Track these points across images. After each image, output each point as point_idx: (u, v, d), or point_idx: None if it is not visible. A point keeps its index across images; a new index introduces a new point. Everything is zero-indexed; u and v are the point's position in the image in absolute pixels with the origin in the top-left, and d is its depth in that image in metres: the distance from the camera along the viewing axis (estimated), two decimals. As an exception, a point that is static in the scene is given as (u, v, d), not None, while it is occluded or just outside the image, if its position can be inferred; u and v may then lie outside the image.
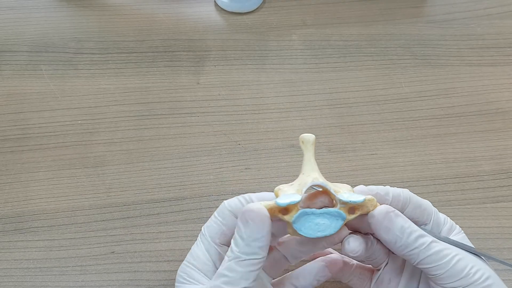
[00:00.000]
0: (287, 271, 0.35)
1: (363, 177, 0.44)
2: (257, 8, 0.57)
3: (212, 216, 0.32)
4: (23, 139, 0.46)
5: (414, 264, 0.30)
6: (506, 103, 0.49)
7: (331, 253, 0.35)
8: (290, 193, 0.31)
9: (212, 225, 0.31)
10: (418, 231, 0.30)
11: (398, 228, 0.30)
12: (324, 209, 0.30)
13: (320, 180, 0.31)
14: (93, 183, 0.43)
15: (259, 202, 0.30)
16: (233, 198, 0.31)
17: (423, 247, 0.29)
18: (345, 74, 0.51)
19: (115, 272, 0.39)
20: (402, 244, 0.29)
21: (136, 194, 0.43)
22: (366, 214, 0.31)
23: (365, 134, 0.47)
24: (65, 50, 0.53)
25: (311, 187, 0.31)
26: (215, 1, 0.57)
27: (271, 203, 0.30)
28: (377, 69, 0.52)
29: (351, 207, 0.31)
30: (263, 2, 0.58)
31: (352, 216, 0.31)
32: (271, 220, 0.29)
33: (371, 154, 0.45)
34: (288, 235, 0.33)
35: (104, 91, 0.49)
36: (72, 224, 0.41)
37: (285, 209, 0.30)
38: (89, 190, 0.43)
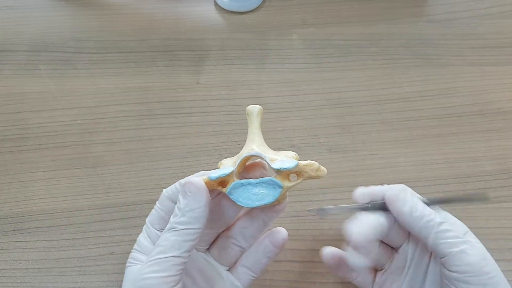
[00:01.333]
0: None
1: (364, 177, 0.44)
2: (257, 8, 0.57)
3: (155, 205, 0.33)
4: (22, 139, 0.46)
5: (429, 242, 0.30)
6: (507, 103, 0.49)
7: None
8: (226, 167, 0.32)
9: (153, 213, 0.33)
10: (430, 210, 0.31)
11: (415, 200, 0.31)
12: (259, 179, 0.31)
13: (256, 150, 0.32)
14: (92, 183, 0.43)
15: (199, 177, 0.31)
16: (172, 185, 0.32)
17: (439, 220, 0.30)
18: (345, 73, 0.51)
19: (115, 273, 0.38)
20: (419, 214, 0.30)
21: (136, 194, 0.42)
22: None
23: (366, 134, 0.46)
24: (64, 49, 0.52)
25: (249, 157, 0.32)
26: (215, 1, 0.57)
27: (206, 177, 0.31)
28: (378, 69, 0.51)
29: (291, 174, 0.31)
30: (263, 1, 0.57)
31: (292, 183, 0.31)
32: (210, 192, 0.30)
33: (372, 154, 0.45)
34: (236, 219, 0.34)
35: (104, 90, 0.49)
36: (71, 224, 0.41)
37: (224, 182, 0.31)
38: (88, 190, 0.43)
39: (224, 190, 0.31)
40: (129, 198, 0.42)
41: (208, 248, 0.35)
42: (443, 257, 0.30)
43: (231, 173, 0.31)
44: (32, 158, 0.44)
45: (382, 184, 0.43)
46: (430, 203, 0.32)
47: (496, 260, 0.39)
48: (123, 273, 0.38)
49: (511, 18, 0.56)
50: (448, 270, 0.30)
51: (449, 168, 0.44)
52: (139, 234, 0.40)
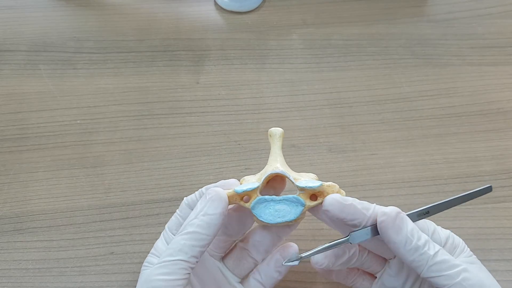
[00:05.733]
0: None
1: (364, 177, 0.44)
2: (257, 7, 0.57)
3: (175, 212, 0.33)
4: (22, 139, 0.46)
5: (420, 273, 0.29)
6: (507, 103, 0.49)
7: None
8: (251, 182, 0.32)
9: (172, 219, 0.33)
10: (425, 236, 0.29)
11: (410, 229, 0.29)
12: (283, 196, 0.32)
13: (280, 168, 0.32)
14: (92, 183, 0.43)
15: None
16: (192, 194, 0.33)
17: (433, 252, 0.29)
18: (345, 73, 0.51)
19: (115, 273, 0.38)
20: (412, 247, 0.29)
21: (136, 194, 0.42)
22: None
23: (366, 134, 0.47)
24: (64, 49, 0.52)
25: (273, 175, 0.32)
26: (215, 0, 0.57)
27: (231, 190, 0.31)
28: (377, 69, 0.51)
29: (313, 194, 0.32)
30: (263, 1, 0.57)
31: (314, 203, 0.32)
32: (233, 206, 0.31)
33: (372, 154, 0.45)
34: (251, 229, 0.35)
35: (103, 90, 0.49)
36: (71, 224, 0.41)
37: (247, 197, 0.31)
38: (88, 190, 0.43)
39: (246, 205, 0.32)
40: (129, 198, 0.42)
41: (223, 258, 0.35)
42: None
43: (256, 188, 0.31)
44: (32, 158, 0.44)
45: (381, 184, 0.43)
46: (424, 214, 0.31)
47: (496, 260, 0.39)
48: (123, 273, 0.39)
49: (511, 18, 0.56)
50: None
51: (448, 168, 0.44)
52: (139, 234, 0.40)
